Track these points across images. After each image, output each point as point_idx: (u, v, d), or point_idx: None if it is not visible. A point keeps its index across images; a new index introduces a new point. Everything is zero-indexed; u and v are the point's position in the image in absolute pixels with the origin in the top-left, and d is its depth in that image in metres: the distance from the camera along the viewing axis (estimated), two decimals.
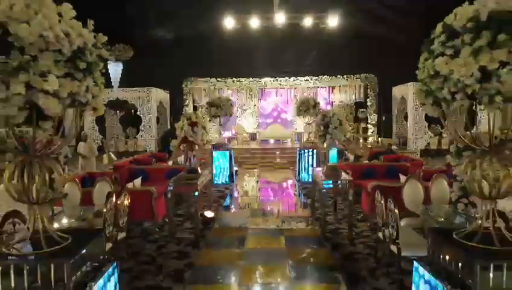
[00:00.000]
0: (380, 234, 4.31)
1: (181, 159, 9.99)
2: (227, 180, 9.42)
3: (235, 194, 8.65)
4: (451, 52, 1.84)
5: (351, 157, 9.67)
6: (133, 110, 15.34)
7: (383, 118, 15.49)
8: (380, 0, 12.48)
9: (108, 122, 15.98)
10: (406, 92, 14.48)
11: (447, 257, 2.04)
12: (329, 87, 16.05)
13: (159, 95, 15.32)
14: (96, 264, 2.23)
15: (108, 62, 12.34)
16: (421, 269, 2.23)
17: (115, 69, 12.67)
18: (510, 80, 1.68)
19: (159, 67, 14.58)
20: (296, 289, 3.81)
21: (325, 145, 5.68)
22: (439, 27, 1.99)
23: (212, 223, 5.97)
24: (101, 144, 13.62)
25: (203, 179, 5.95)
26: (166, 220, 5.79)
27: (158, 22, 14.33)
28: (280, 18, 12.45)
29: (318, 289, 3.86)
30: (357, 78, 15.41)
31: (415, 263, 2.33)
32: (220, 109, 9.18)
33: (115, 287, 2.36)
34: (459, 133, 2.17)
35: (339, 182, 5.54)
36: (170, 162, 9.15)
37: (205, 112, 9.57)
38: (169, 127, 15.96)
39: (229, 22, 12.76)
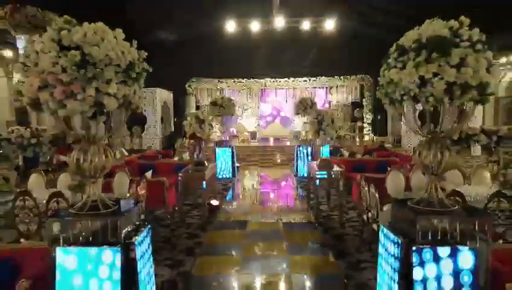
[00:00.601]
0: (365, 216, 5.01)
1: (185, 155, 10.70)
2: (229, 175, 10.10)
3: (238, 187, 9.34)
4: (401, 65, 2.52)
5: (346, 153, 10.36)
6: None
7: (378, 117, 16.17)
8: (374, 4, 13.13)
9: (113, 121, 16.62)
10: None
11: (402, 218, 2.73)
12: (326, 87, 16.75)
13: (163, 95, 15.99)
14: (135, 226, 2.91)
15: None
16: (385, 229, 2.92)
17: None
18: (439, 86, 2.36)
19: (163, 68, 15.21)
20: (291, 260, 4.51)
21: (318, 141, 6.37)
22: (394, 46, 2.68)
23: (218, 211, 6.67)
24: (107, 141, 14.26)
25: (209, 172, 6.64)
26: (176, 208, 6.47)
27: (162, 24, 14.97)
28: (279, 22, 13.12)
29: (310, 260, 4.55)
30: (353, 79, 16.10)
31: (381, 226, 3.02)
32: (223, 108, 9.85)
33: (148, 246, 3.04)
34: (411, 125, 2.85)
35: (332, 173, 6.23)
36: (176, 158, 9.84)
37: (210, 111, 10.23)
38: (172, 126, 16.64)
39: (230, 26, 13.44)
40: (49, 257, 2.55)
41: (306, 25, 13.49)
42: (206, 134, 6.23)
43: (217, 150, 10.15)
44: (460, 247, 2.48)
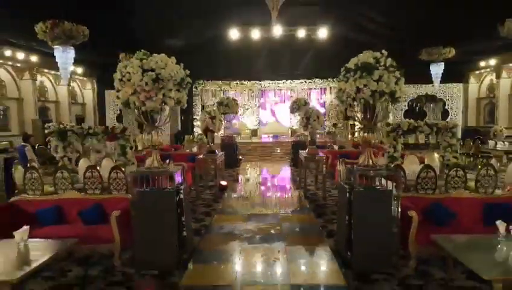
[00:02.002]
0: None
1: (194, 149, 12.34)
2: (233, 164, 11.74)
3: (241, 174, 11.00)
4: (346, 79, 4.17)
5: (336, 147, 12.01)
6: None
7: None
8: (363, 14, 14.73)
9: (125, 119, 18.26)
10: None
11: (350, 175, 4.38)
12: (321, 88, 18.37)
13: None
14: (177, 185, 4.55)
15: None
16: (342, 183, 4.57)
17: None
18: (367, 92, 4.00)
19: None
20: (282, 217, 6.16)
21: (306, 133, 8.02)
22: (344, 67, 4.32)
23: (226, 189, 8.31)
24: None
25: (219, 159, 8.29)
26: (192, 188, 8.11)
27: (171, 31, 16.59)
28: (277, 30, 14.74)
29: (298, 217, 6.21)
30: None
31: (341, 183, 4.67)
32: (228, 107, 11.49)
33: (182, 201, 4.67)
34: (359, 118, 4.50)
35: (317, 158, 7.88)
36: (187, 151, 11.48)
37: (216, 110, 11.86)
38: (180, 124, 18.28)
39: (233, 33, 15.09)
40: (131, 198, 4.21)
41: (301, 32, 15.14)
42: (217, 127, 7.87)
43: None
44: (380, 188, 4.14)
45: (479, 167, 5.07)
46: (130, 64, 3.99)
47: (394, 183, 4.19)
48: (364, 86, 4.01)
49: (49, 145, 6.66)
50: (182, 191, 4.35)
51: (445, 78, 14.90)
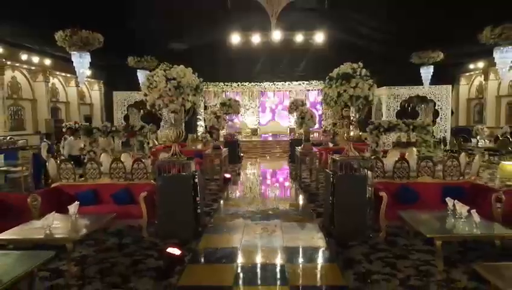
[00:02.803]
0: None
1: (199, 146, 13.36)
2: (236, 161, 12.76)
3: (243, 168, 12.03)
4: (329, 86, 5.19)
5: (331, 145, 13.03)
6: (153, 109, 18.67)
7: (362, 117, 18.77)
8: (358, 19, 15.74)
9: (132, 119, 19.28)
10: (381, 94, 17.77)
11: (333, 164, 5.41)
12: (318, 90, 19.40)
13: None
14: (193, 171, 5.57)
15: (138, 70, 15.72)
16: (327, 170, 5.59)
17: (143, 76, 15.98)
18: (346, 97, 5.03)
19: None
20: (280, 201, 7.19)
21: (302, 130, 9.05)
22: (328, 76, 5.35)
23: (230, 181, 9.35)
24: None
25: (224, 154, 9.32)
26: None
27: (175, 36, 17.60)
28: (276, 35, 15.73)
29: (291, 202, 7.24)
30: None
31: (327, 171, 5.69)
32: (230, 108, 12.49)
33: (196, 184, 5.69)
34: (339, 118, 5.53)
35: (311, 153, 8.91)
36: (193, 147, 12.49)
37: (219, 110, 12.89)
38: (183, 124, 19.29)
39: (235, 37, 16.11)
40: (156, 182, 5.24)
41: (299, 37, 16.16)
42: (221, 126, 8.90)
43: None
44: (358, 174, 5.17)
45: (446, 159, 6.10)
46: (156, 74, 5.01)
47: (370, 171, 5.22)
48: (344, 91, 5.04)
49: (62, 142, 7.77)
50: (196, 177, 5.38)
51: (436, 80, 15.92)
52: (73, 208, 4.54)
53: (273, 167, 12.81)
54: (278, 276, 3.97)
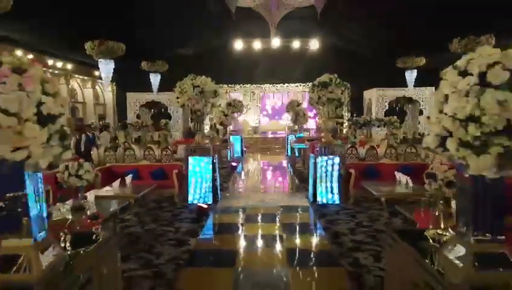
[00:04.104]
0: None
1: (206, 142, 15.26)
2: (239, 154, 14.71)
3: (246, 160, 13.98)
4: (313, 91, 7.14)
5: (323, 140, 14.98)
6: (162, 109, 20.57)
7: (354, 116, 20.78)
8: (349, 28, 17.68)
9: (143, 118, 21.20)
10: (372, 95, 19.70)
11: (315, 149, 7.35)
12: None
13: None
14: (212, 155, 7.50)
15: (150, 73, 17.63)
16: (311, 155, 7.55)
17: (155, 79, 17.92)
18: (323, 99, 6.98)
19: (184, 76, 19.81)
20: (276, 182, 9.13)
21: (296, 127, 11.00)
22: (312, 84, 7.30)
23: (236, 168, 11.29)
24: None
25: (231, 146, 11.27)
26: None
27: (183, 42, 19.53)
28: (275, 42, 17.73)
29: (285, 182, 9.17)
30: None
31: (310, 155, 7.64)
32: (235, 107, 14.42)
33: (215, 164, 7.63)
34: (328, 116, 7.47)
35: (304, 145, 10.85)
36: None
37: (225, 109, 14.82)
38: (190, 122, 21.21)
39: (238, 44, 18.09)
40: (185, 163, 7.19)
41: (296, 43, 18.15)
42: (229, 123, 10.84)
43: (231, 137, 14.75)
44: (333, 156, 7.12)
45: (406, 147, 8.05)
46: (185, 83, 6.95)
47: (343, 155, 7.17)
48: (323, 95, 6.99)
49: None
50: (215, 159, 7.33)
51: (421, 82, 17.86)
52: (128, 179, 6.48)
53: (272, 159, 14.77)
54: (274, 219, 5.94)
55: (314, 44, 17.94)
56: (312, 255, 4.60)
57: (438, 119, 1.76)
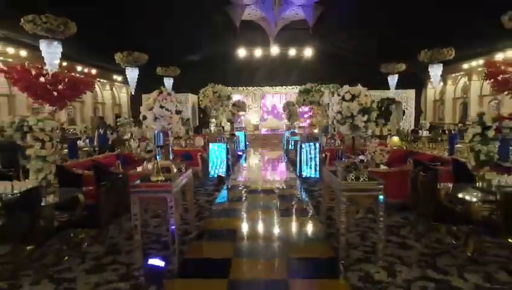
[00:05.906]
0: None
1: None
2: (243, 147, 17.51)
3: (249, 152, 16.80)
4: (300, 95, 9.97)
5: None
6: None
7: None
8: (340, 36, 20.44)
9: None
10: None
11: (303, 138, 10.18)
12: None
13: (193, 98, 23.39)
14: (226, 142, 10.30)
15: (164, 77, 20.36)
16: (299, 142, 10.38)
17: (168, 82, 20.73)
18: (307, 101, 9.79)
19: (193, 79, 22.62)
20: (273, 167, 11.94)
21: (290, 123, 13.83)
22: (299, 90, 10.12)
23: (241, 157, 14.09)
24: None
25: (237, 139, 14.09)
26: None
27: (192, 49, 22.28)
28: (274, 50, 20.54)
29: (282, 169, 12.00)
30: (326, 87, 23.60)
31: (298, 141, 10.47)
32: (239, 107, 17.20)
33: (228, 149, 10.42)
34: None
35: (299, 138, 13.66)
36: None
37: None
38: (197, 120, 24.00)
39: (241, 51, 20.90)
40: (207, 148, 10.02)
41: (292, 51, 20.98)
42: (237, 120, 13.63)
43: (236, 132, 17.55)
44: (314, 143, 9.96)
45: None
46: (207, 89, 9.77)
47: (322, 141, 9.99)
48: (306, 98, 9.80)
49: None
50: (229, 146, 10.15)
51: (405, 85, 20.60)
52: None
53: (271, 151, 17.61)
54: (272, 193, 8.78)
55: (308, 52, 20.74)
56: (296, 208, 7.42)
57: (332, 113, 4.57)
